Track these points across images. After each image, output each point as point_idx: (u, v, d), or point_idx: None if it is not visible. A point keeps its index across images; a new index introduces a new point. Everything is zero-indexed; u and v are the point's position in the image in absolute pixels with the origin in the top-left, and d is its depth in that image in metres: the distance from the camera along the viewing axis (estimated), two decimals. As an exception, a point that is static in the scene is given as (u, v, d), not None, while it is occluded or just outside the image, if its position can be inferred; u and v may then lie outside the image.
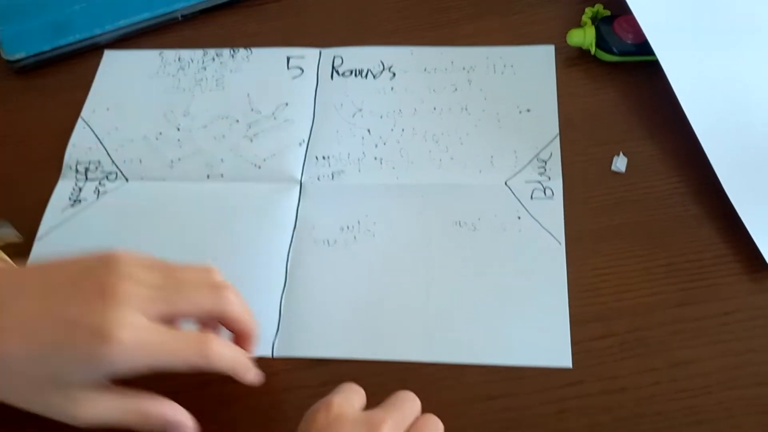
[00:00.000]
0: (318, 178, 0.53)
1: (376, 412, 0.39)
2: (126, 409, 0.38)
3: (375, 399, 0.42)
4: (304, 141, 0.55)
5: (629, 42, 0.55)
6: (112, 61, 0.61)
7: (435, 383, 0.45)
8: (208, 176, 0.54)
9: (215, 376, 0.40)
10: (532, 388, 0.44)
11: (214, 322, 0.41)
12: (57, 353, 0.36)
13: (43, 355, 0.36)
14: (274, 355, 0.46)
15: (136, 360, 0.36)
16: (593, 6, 0.57)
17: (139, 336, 0.36)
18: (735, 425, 0.42)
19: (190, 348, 0.37)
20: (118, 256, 0.38)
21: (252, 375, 0.41)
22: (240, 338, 0.42)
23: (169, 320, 0.38)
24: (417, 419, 0.40)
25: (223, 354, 0.39)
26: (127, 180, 0.54)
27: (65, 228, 0.52)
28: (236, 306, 0.40)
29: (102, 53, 0.61)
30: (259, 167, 0.54)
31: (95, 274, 0.37)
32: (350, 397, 0.39)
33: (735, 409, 0.42)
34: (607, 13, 0.57)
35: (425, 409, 0.44)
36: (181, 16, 0.62)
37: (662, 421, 0.42)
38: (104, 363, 0.36)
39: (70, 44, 0.61)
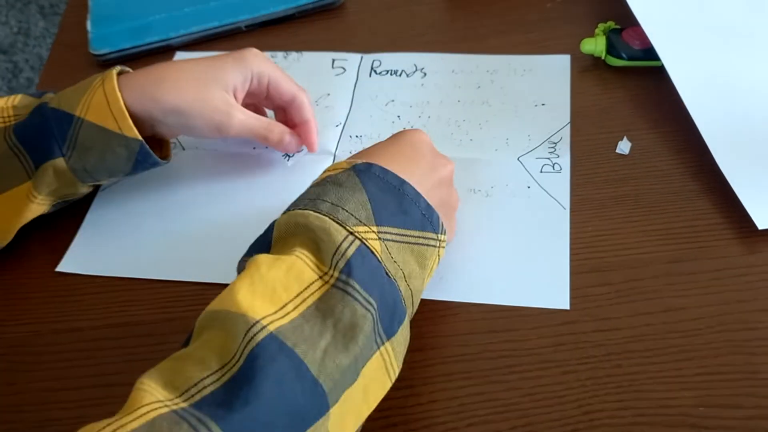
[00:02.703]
0: (350, 152, 0.60)
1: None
2: (261, 121, 0.55)
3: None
4: (341, 123, 0.62)
5: (636, 48, 0.61)
6: (182, 59, 0.70)
7: (444, 317, 0.49)
8: (254, 147, 0.61)
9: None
10: (531, 325, 0.48)
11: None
12: (218, 62, 0.55)
13: (206, 64, 0.54)
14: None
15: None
16: (605, 22, 0.64)
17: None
18: (721, 363, 0.44)
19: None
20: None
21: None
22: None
23: None
24: None
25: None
26: (183, 149, 0.62)
27: (126, 180, 0.60)
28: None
29: (174, 54, 0.71)
30: (300, 142, 0.61)
31: None
32: None
33: (722, 349, 0.45)
34: (618, 27, 0.64)
35: (433, 339, 0.48)
36: (245, 26, 0.71)
37: (652, 356, 0.45)
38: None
39: (148, 44, 0.70)
